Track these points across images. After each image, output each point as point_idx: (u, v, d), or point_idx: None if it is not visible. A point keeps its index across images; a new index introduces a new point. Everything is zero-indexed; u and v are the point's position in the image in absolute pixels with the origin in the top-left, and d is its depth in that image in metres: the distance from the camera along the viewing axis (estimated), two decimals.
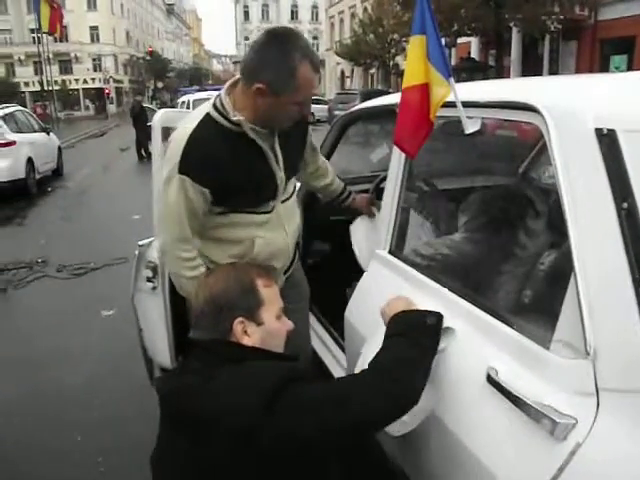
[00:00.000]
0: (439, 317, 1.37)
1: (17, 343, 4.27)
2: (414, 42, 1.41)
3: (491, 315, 1.32)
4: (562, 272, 1.11)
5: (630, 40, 18.65)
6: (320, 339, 2.54)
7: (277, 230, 1.91)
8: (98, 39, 59.85)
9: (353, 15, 42.47)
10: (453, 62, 24.52)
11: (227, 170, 1.69)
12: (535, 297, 1.33)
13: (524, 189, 1.87)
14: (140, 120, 16.32)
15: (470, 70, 21.98)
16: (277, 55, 1.57)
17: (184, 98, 16.43)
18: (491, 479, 1.13)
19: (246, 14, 76.45)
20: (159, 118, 2.12)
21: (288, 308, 1.55)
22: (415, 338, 1.33)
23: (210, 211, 1.79)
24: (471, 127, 1.43)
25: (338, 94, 28.98)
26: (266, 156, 1.77)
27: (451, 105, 1.42)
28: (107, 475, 2.63)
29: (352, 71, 43.72)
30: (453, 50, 25.05)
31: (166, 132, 2.05)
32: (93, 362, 3.77)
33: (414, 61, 1.41)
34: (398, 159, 1.89)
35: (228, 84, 1.75)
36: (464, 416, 1.28)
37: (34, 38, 38.31)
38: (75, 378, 3.58)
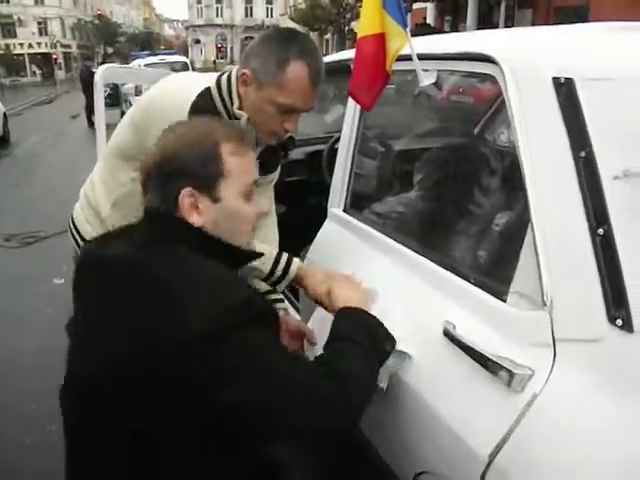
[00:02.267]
0: (392, 341, 1.25)
1: None
2: None
3: (447, 270, 1.31)
4: (519, 225, 1.10)
5: (584, 9, 18.93)
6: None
7: None
8: (43, 1, 57.13)
9: None
10: (409, 27, 24.45)
11: None
12: (492, 251, 1.33)
13: (479, 147, 1.86)
14: (90, 86, 15.70)
15: (425, 36, 21.91)
16: (274, 46, 1.39)
17: (135, 62, 15.95)
18: (450, 434, 1.14)
19: None
20: (102, 74, 2.01)
21: None
22: (373, 355, 1.18)
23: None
24: (426, 80, 1.40)
25: None
26: None
27: (408, 58, 1.38)
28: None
29: None
30: (409, 15, 24.89)
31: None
32: (45, 329, 3.66)
33: (370, 10, 1.36)
34: (352, 117, 1.85)
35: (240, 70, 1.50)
36: (423, 372, 1.27)
37: None
38: (27, 345, 3.50)
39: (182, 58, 16.43)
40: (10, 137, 13.56)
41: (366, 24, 1.37)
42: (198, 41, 72.66)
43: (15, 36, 55.25)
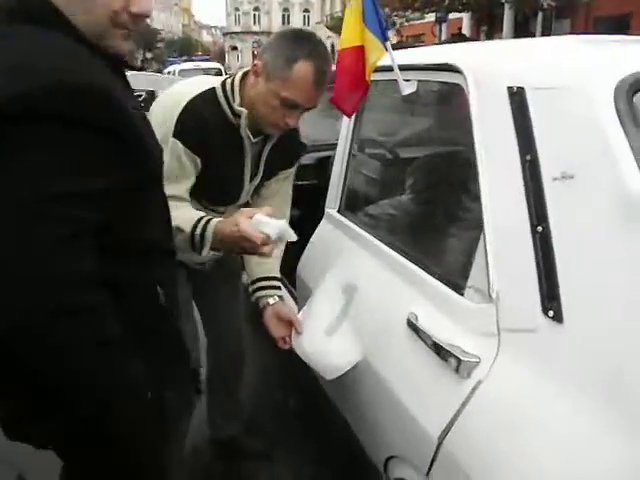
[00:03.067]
0: None
1: None
2: (351, 5, 1.45)
3: (419, 267, 1.39)
4: (477, 223, 1.17)
5: (625, 18, 18.54)
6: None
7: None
8: None
9: None
10: (444, 37, 24.35)
11: (210, 154, 1.57)
12: (457, 249, 1.40)
13: (459, 154, 1.94)
14: None
15: None
16: (287, 43, 1.49)
17: (171, 68, 16.32)
18: (410, 418, 1.22)
19: None
20: None
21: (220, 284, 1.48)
22: None
23: None
24: (407, 89, 1.49)
25: None
26: (244, 163, 1.66)
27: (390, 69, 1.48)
28: None
29: None
30: (444, 25, 24.85)
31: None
32: None
33: (350, 24, 1.46)
34: (348, 122, 1.95)
35: (243, 71, 1.62)
36: (388, 358, 1.36)
37: None
38: None
39: (216, 64, 16.74)
40: None
41: (347, 37, 1.47)
42: (235, 47, 73.70)
43: None
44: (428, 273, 1.34)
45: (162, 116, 1.52)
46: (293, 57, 1.45)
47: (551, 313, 0.97)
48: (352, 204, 1.97)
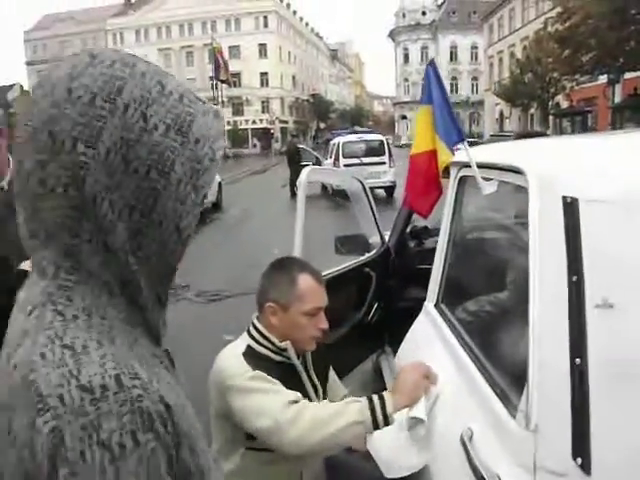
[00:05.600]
0: None
1: None
2: (422, 111, 1.49)
3: (484, 377, 1.32)
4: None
5: None
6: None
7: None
8: (267, 84, 64.84)
9: (512, 54, 41.34)
10: (618, 99, 22.85)
11: None
12: (519, 365, 1.30)
13: None
14: (294, 160, 17.30)
15: (636, 108, 20.32)
16: (277, 274, 1.69)
17: (335, 140, 17.07)
18: None
19: (406, 57, 78.09)
20: (306, 175, 2.30)
21: None
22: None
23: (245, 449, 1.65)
24: (488, 189, 1.46)
25: (492, 136, 28.29)
26: (305, 386, 1.70)
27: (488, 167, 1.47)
28: None
29: (510, 112, 42.54)
30: (617, 86, 23.31)
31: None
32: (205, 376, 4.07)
33: (422, 129, 1.49)
34: (447, 215, 1.93)
35: (253, 324, 1.71)
36: (441, 472, 1.30)
37: (211, 85, 42.53)
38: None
39: (378, 137, 17.04)
40: (222, 203, 15.34)
41: (420, 142, 1.50)
42: (404, 117, 75.79)
43: (242, 114, 63.09)
44: (490, 387, 1.27)
45: (233, 371, 1.59)
46: (292, 277, 1.64)
47: (579, 460, 0.87)
48: (446, 299, 1.93)
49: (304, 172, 2.32)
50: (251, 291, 6.58)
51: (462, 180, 1.80)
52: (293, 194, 17.38)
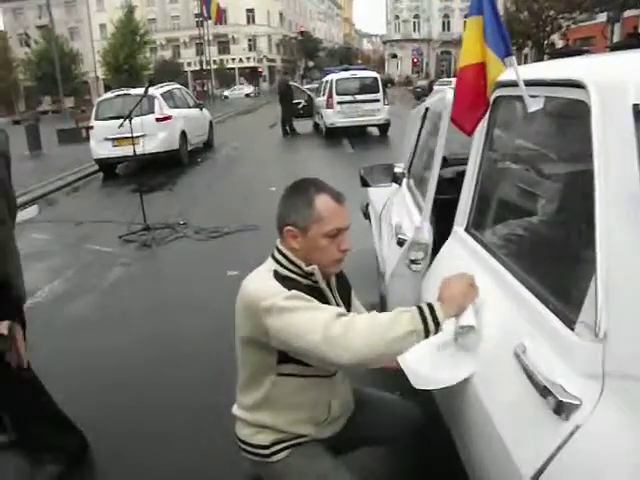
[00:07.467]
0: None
1: (152, 292, 5.07)
2: (471, 22, 1.43)
3: (533, 294, 1.32)
4: (593, 252, 1.09)
5: None
6: None
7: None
8: (254, 21, 62.77)
9: None
10: (617, 39, 22.42)
11: None
12: (573, 279, 1.30)
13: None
14: (286, 98, 16.92)
15: (636, 48, 19.93)
16: (295, 197, 1.63)
17: (328, 77, 16.70)
18: (503, 450, 1.17)
19: None
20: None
21: None
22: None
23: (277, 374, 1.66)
24: (534, 106, 1.42)
25: None
26: None
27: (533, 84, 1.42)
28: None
29: None
30: (617, 25, 22.79)
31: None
32: (211, 313, 4.10)
33: (471, 41, 1.43)
34: (479, 138, 1.90)
35: (277, 247, 1.69)
36: (493, 387, 1.32)
37: (197, 22, 41.16)
38: (188, 332, 4.01)
39: (372, 73, 16.69)
40: (214, 142, 15.13)
41: (467, 54, 1.44)
42: (395, 55, 74.08)
43: (229, 52, 61.43)
44: (542, 303, 1.27)
45: (268, 291, 1.55)
46: (309, 199, 1.60)
47: None
48: (479, 223, 1.91)
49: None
50: (249, 227, 6.70)
51: (496, 101, 1.76)
52: (285, 132, 17.15)
